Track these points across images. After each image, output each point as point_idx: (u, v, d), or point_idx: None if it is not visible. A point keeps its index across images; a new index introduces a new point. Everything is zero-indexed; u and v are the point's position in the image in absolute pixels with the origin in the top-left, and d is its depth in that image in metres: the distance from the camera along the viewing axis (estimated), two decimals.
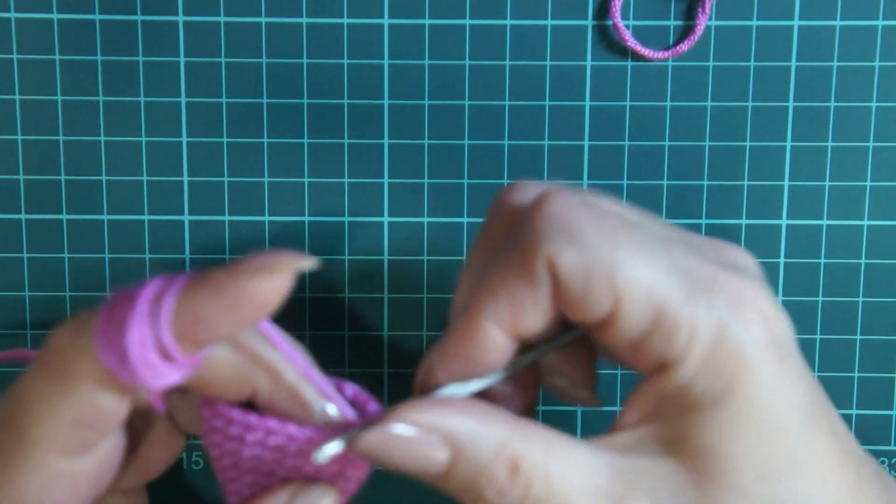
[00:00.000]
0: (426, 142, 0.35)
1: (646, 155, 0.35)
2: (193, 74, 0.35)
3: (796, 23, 0.35)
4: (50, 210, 0.35)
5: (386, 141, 0.35)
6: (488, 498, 0.23)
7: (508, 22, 0.35)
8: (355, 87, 0.35)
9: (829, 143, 0.35)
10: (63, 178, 0.35)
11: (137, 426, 0.27)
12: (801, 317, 0.36)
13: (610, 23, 0.34)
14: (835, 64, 0.35)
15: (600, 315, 0.22)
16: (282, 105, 0.35)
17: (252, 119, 0.35)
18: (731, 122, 0.35)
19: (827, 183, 0.35)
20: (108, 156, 0.35)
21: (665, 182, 0.35)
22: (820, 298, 0.36)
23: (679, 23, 0.35)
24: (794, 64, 0.35)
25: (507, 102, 0.35)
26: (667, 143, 0.35)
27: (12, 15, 0.34)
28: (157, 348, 0.22)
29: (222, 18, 0.34)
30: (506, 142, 0.35)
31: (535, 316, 0.23)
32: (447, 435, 0.23)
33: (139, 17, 0.34)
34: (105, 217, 0.35)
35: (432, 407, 0.23)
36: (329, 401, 0.24)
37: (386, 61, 0.35)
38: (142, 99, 0.35)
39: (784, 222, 0.35)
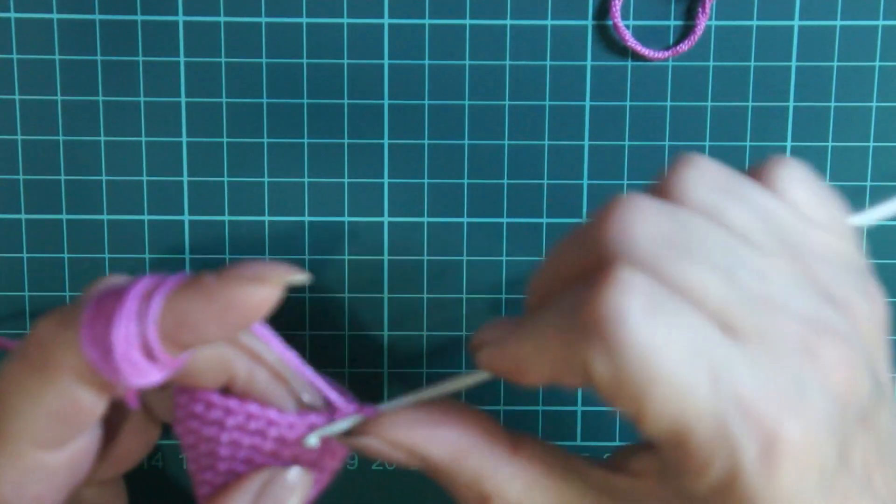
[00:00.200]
0: (426, 142, 0.35)
1: (646, 155, 0.35)
2: (193, 74, 0.35)
3: (796, 23, 0.35)
4: (50, 210, 0.35)
5: (386, 141, 0.35)
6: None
7: (508, 22, 0.35)
8: (355, 87, 0.35)
9: (829, 143, 0.35)
10: (63, 178, 0.35)
11: (112, 417, 0.26)
12: None
13: (610, 23, 0.34)
14: (835, 64, 0.35)
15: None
16: (282, 105, 0.35)
17: (252, 119, 0.35)
18: (731, 122, 0.35)
19: (827, 183, 0.35)
20: (108, 156, 0.35)
21: None
22: None
23: (679, 23, 0.35)
24: (794, 64, 0.35)
25: (507, 102, 0.35)
26: (667, 143, 0.35)
27: (12, 15, 0.34)
28: (142, 347, 0.22)
29: (222, 18, 0.34)
30: (506, 142, 0.35)
31: (567, 378, 0.22)
32: (423, 460, 0.24)
33: (139, 17, 0.34)
34: (105, 217, 0.35)
35: (415, 426, 0.24)
36: (310, 384, 0.25)
37: (386, 61, 0.35)
38: (142, 99, 0.35)
39: None
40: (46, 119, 0.35)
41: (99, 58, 0.35)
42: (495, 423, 0.24)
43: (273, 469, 0.25)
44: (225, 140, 0.35)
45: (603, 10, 0.34)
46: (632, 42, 0.34)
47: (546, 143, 0.35)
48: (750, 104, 0.35)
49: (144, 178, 0.35)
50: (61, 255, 0.35)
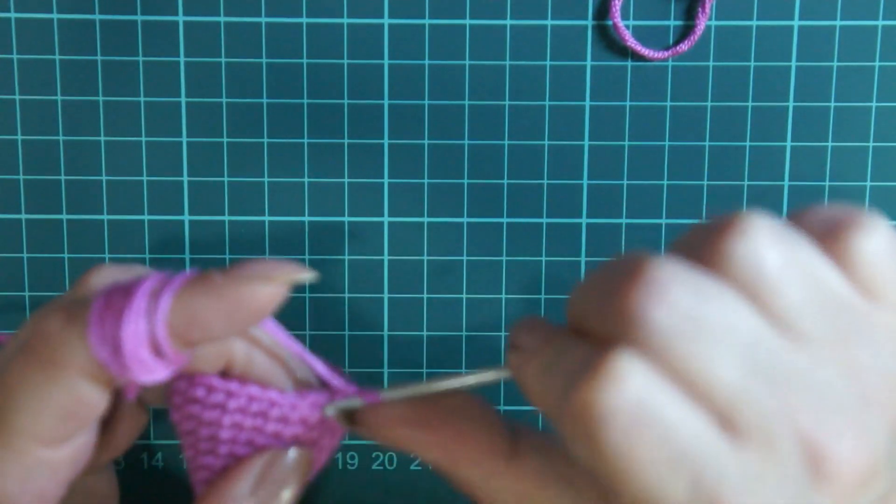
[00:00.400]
0: (426, 142, 0.35)
1: (646, 155, 0.35)
2: (193, 74, 0.35)
3: (796, 23, 0.35)
4: (50, 210, 0.35)
5: (386, 141, 0.35)
6: None
7: (508, 22, 0.35)
8: (355, 87, 0.35)
9: (829, 143, 0.35)
10: (63, 178, 0.35)
11: (107, 407, 0.27)
12: None
13: (610, 23, 0.34)
14: (835, 64, 0.35)
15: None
16: (282, 105, 0.35)
17: (252, 119, 0.35)
18: (731, 122, 0.35)
19: (827, 183, 0.35)
20: (108, 156, 0.35)
21: (665, 182, 0.35)
22: None
23: (679, 23, 0.35)
24: (794, 64, 0.35)
25: (507, 102, 0.35)
26: (667, 143, 0.35)
27: (12, 15, 0.34)
28: (151, 344, 0.22)
29: (222, 18, 0.34)
30: (506, 142, 0.35)
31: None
32: (417, 456, 0.25)
33: (139, 17, 0.34)
34: (105, 217, 0.35)
35: (409, 426, 0.24)
36: (306, 364, 0.25)
37: (386, 61, 0.35)
38: (142, 99, 0.35)
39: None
40: (46, 119, 0.35)
41: (99, 58, 0.35)
42: (496, 424, 0.24)
43: (274, 450, 0.25)
44: (225, 140, 0.35)
45: (603, 10, 0.34)
46: (632, 42, 0.34)
47: (546, 143, 0.35)
48: (750, 104, 0.35)
49: (144, 178, 0.35)
50: (61, 255, 0.35)
